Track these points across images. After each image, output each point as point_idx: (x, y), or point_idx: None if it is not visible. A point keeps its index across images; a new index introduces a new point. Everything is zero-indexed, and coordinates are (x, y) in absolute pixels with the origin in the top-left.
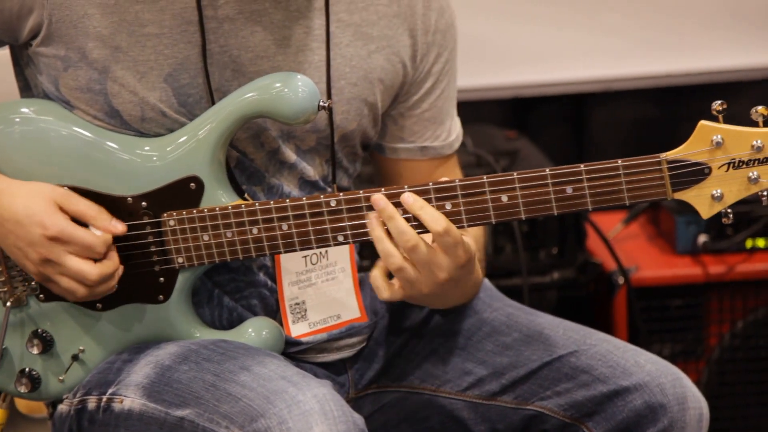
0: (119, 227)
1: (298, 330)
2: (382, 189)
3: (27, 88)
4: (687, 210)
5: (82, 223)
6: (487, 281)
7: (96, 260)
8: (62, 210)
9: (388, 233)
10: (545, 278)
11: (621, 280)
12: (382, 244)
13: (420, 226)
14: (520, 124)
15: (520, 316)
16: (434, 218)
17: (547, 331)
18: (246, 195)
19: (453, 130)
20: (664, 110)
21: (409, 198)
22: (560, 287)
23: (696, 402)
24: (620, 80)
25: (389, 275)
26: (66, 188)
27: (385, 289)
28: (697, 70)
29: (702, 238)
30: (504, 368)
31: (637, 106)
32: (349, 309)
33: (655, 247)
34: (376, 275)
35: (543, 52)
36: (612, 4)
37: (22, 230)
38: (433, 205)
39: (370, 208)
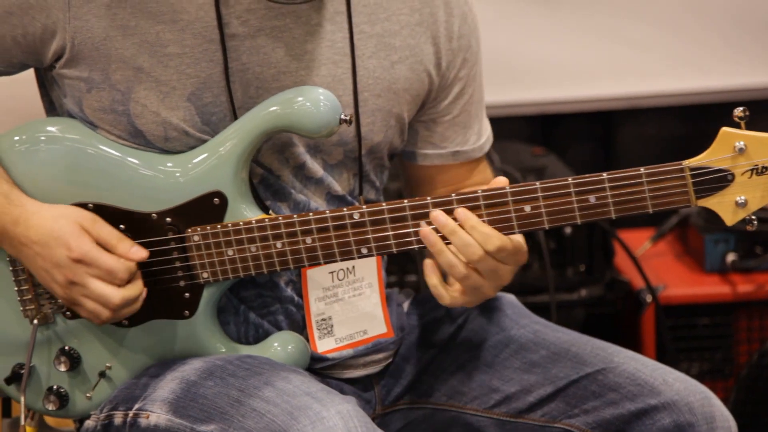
0: (140, 254)
1: (324, 346)
2: (405, 200)
3: (52, 109)
4: (715, 228)
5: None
6: (514, 298)
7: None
8: (88, 234)
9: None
10: (573, 296)
11: (649, 298)
12: (445, 256)
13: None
14: (547, 140)
15: (548, 334)
16: (486, 238)
17: (575, 348)
18: (270, 211)
19: (483, 133)
20: (692, 128)
21: (461, 215)
22: (588, 305)
23: (724, 421)
24: (647, 97)
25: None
26: (92, 213)
27: (446, 296)
28: (724, 87)
29: (730, 257)
30: (531, 386)
31: (664, 124)
32: (376, 325)
33: (684, 266)
34: (436, 284)
35: (570, 68)
36: (639, 21)
37: (48, 252)
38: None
39: (394, 220)
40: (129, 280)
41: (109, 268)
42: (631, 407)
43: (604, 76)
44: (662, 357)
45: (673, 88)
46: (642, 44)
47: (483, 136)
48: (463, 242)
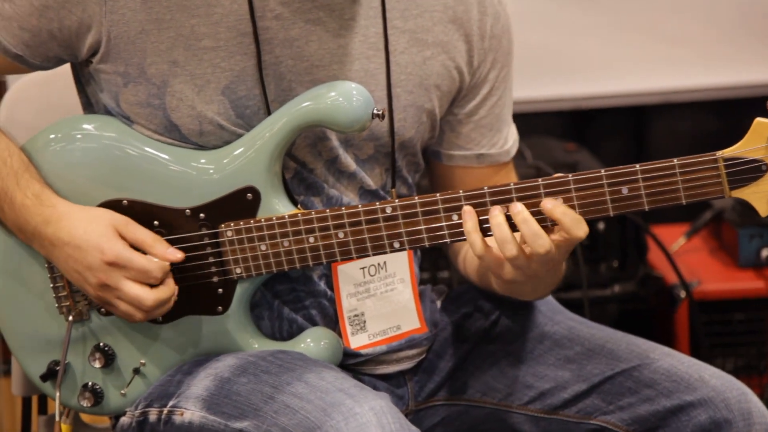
0: (176, 255)
1: (357, 342)
2: (438, 194)
3: (89, 105)
4: (750, 223)
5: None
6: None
7: (153, 285)
8: (121, 236)
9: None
10: (606, 291)
11: (683, 294)
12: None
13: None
14: (580, 136)
15: (582, 330)
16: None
17: (610, 344)
18: (299, 205)
19: (510, 137)
20: (725, 122)
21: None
22: (621, 301)
23: (762, 417)
24: (680, 92)
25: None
26: (125, 216)
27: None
28: (758, 81)
29: (765, 252)
30: (566, 382)
31: (697, 119)
32: (409, 320)
33: (718, 261)
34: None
35: (602, 63)
36: (672, 15)
37: (81, 254)
38: (488, 208)
39: (426, 213)
40: (162, 281)
41: (142, 268)
42: (666, 404)
43: (637, 71)
44: (696, 353)
45: (706, 82)
46: (675, 39)
47: (510, 140)
48: (533, 232)
